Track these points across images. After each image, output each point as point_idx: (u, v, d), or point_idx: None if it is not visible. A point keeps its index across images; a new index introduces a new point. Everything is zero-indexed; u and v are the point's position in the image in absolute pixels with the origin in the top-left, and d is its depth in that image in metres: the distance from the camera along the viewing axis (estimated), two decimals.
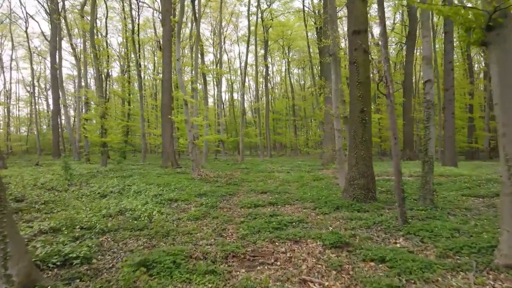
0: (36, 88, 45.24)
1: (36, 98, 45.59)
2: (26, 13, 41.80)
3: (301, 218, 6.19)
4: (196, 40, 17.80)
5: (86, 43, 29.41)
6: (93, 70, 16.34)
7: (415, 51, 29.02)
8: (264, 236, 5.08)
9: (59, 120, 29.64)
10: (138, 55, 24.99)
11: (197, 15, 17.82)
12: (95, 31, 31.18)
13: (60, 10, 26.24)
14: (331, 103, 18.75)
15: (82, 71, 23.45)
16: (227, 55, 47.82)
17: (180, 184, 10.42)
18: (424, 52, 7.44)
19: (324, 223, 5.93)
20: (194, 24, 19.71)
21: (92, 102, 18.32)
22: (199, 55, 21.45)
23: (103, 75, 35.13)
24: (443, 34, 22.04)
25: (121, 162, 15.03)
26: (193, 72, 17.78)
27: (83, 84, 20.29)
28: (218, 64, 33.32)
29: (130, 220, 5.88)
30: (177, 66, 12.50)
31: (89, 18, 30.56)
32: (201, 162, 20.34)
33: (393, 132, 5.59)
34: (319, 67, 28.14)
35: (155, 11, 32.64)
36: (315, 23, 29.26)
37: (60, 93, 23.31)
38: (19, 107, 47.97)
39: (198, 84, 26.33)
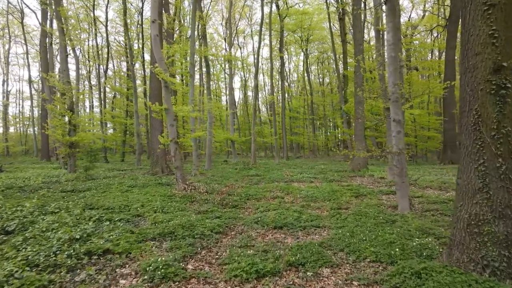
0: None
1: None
2: (21, 0, 39.63)
3: None
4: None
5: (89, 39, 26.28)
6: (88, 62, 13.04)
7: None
8: None
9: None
10: (129, 37, 21.52)
11: None
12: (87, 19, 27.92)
13: None
14: (362, 84, 14.51)
15: (86, 64, 20.36)
16: (241, 51, 44.13)
17: (146, 208, 6.58)
18: None
19: None
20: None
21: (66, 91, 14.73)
22: (200, 36, 17.59)
23: (101, 70, 32.13)
24: None
25: (90, 168, 11.38)
26: (190, 50, 13.78)
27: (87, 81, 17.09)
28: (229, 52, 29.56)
29: None
30: (152, 31, 8.65)
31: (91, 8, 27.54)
32: (202, 167, 16.59)
33: None
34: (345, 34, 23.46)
35: None
36: (338, 2, 24.97)
37: (45, 86, 20.10)
38: (20, 104, 45.94)
39: (196, 70, 22.63)
